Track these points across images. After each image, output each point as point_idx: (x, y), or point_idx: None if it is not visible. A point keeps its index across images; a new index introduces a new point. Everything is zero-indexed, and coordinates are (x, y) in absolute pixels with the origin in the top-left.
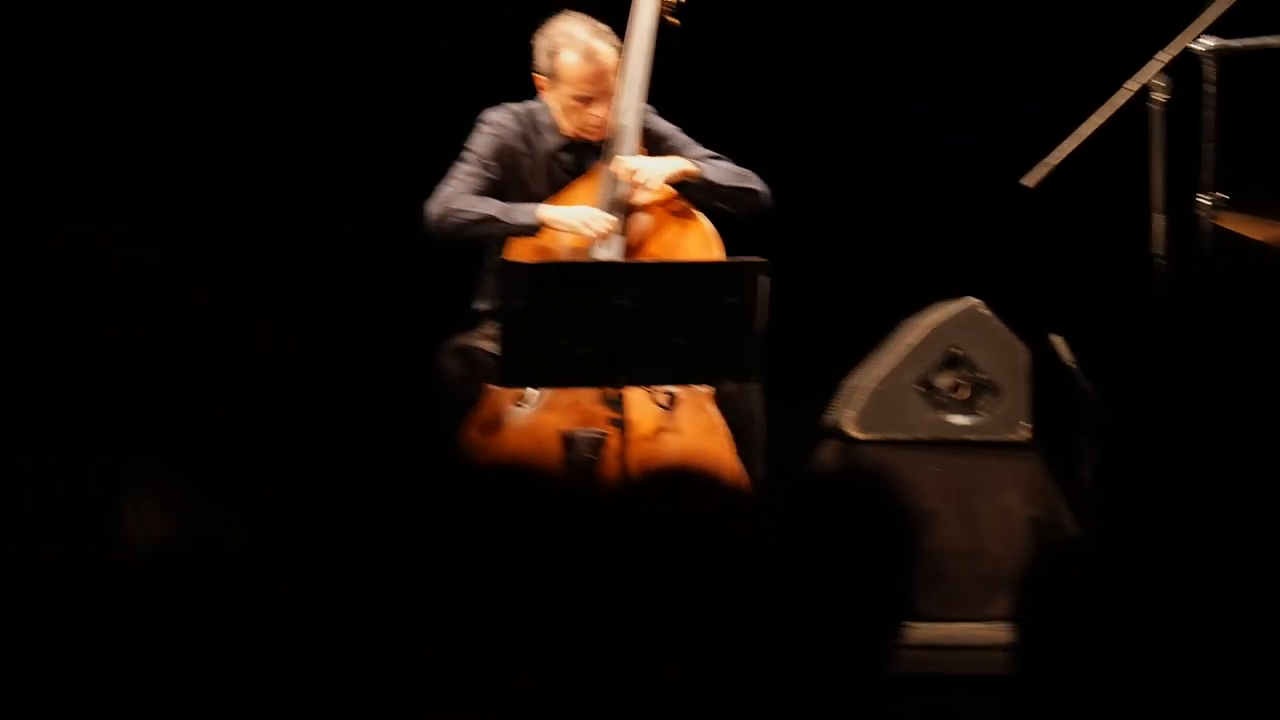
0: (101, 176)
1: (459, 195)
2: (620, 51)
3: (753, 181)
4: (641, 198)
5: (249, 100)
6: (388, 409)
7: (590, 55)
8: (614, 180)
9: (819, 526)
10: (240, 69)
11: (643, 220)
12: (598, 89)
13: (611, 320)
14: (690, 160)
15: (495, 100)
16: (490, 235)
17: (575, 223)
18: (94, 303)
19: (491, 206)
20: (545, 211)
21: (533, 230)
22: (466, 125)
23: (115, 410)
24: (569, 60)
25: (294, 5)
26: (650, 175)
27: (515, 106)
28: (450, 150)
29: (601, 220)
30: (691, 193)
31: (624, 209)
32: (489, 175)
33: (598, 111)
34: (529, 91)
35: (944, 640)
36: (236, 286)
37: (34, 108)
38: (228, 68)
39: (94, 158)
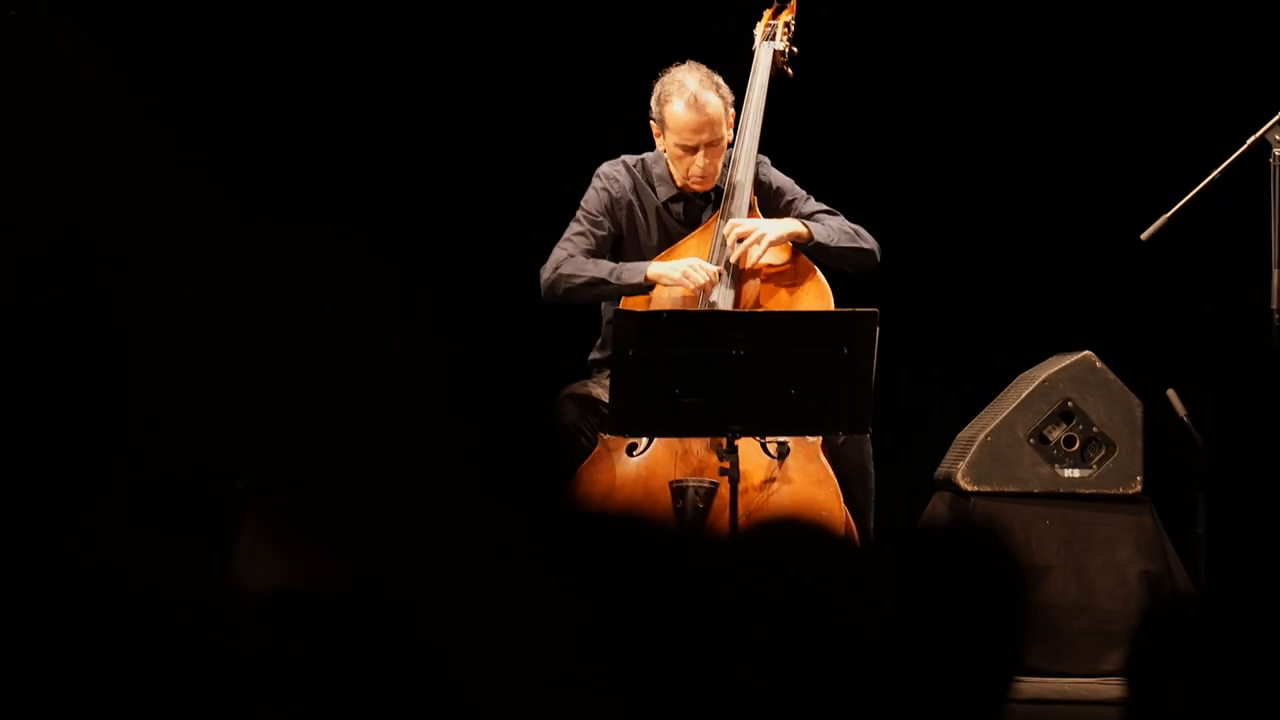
0: (231, 210)
1: (569, 259)
2: (730, 103)
3: (864, 240)
4: (750, 261)
5: (386, 139)
6: (503, 456)
7: (696, 105)
8: (725, 238)
9: (930, 579)
10: (378, 109)
11: (756, 274)
12: (701, 139)
13: (724, 369)
14: (801, 220)
15: (635, 148)
16: (602, 296)
17: (678, 275)
18: (216, 337)
19: (601, 269)
20: (653, 268)
21: (644, 289)
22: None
23: (232, 449)
24: (676, 109)
25: (437, 47)
26: (759, 239)
27: (629, 159)
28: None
29: (702, 270)
30: (802, 251)
31: (736, 263)
32: (600, 233)
33: (701, 161)
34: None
35: (1055, 695)
36: (359, 325)
37: (162, 139)
38: (365, 109)
39: (225, 191)
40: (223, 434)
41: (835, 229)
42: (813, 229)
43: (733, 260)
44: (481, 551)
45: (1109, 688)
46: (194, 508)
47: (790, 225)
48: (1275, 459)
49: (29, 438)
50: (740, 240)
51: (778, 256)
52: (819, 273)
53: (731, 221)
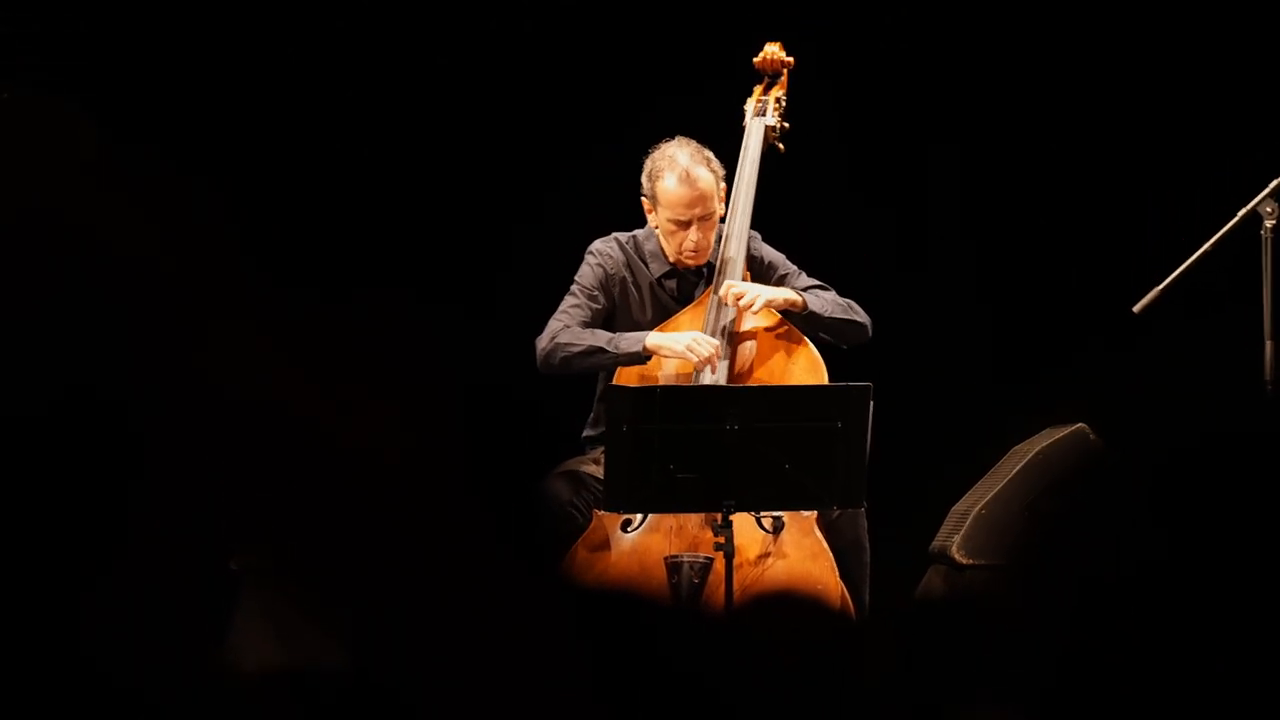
0: (230, 284)
1: (565, 329)
2: (721, 177)
3: (856, 313)
4: (747, 322)
5: (382, 212)
6: (500, 532)
7: (688, 180)
8: (720, 307)
9: (925, 652)
10: (374, 182)
11: (749, 345)
12: (694, 213)
13: (718, 444)
14: (795, 290)
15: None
16: (599, 365)
17: (680, 348)
18: (216, 412)
19: (599, 338)
20: (652, 339)
21: (641, 358)
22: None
23: (231, 525)
24: (668, 184)
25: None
26: (754, 299)
27: (621, 235)
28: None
29: (706, 344)
30: (795, 322)
31: (730, 335)
32: (596, 306)
33: (694, 236)
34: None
35: None
36: (357, 398)
37: (163, 215)
38: (362, 182)
39: (224, 266)
40: (223, 510)
41: (829, 301)
42: (806, 299)
43: (727, 322)
44: (480, 626)
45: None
46: (192, 588)
47: (785, 292)
48: (1267, 531)
49: (36, 518)
50: (739, 300)
51: (770, 323)
52: (812, 346)
53: (728, 282)
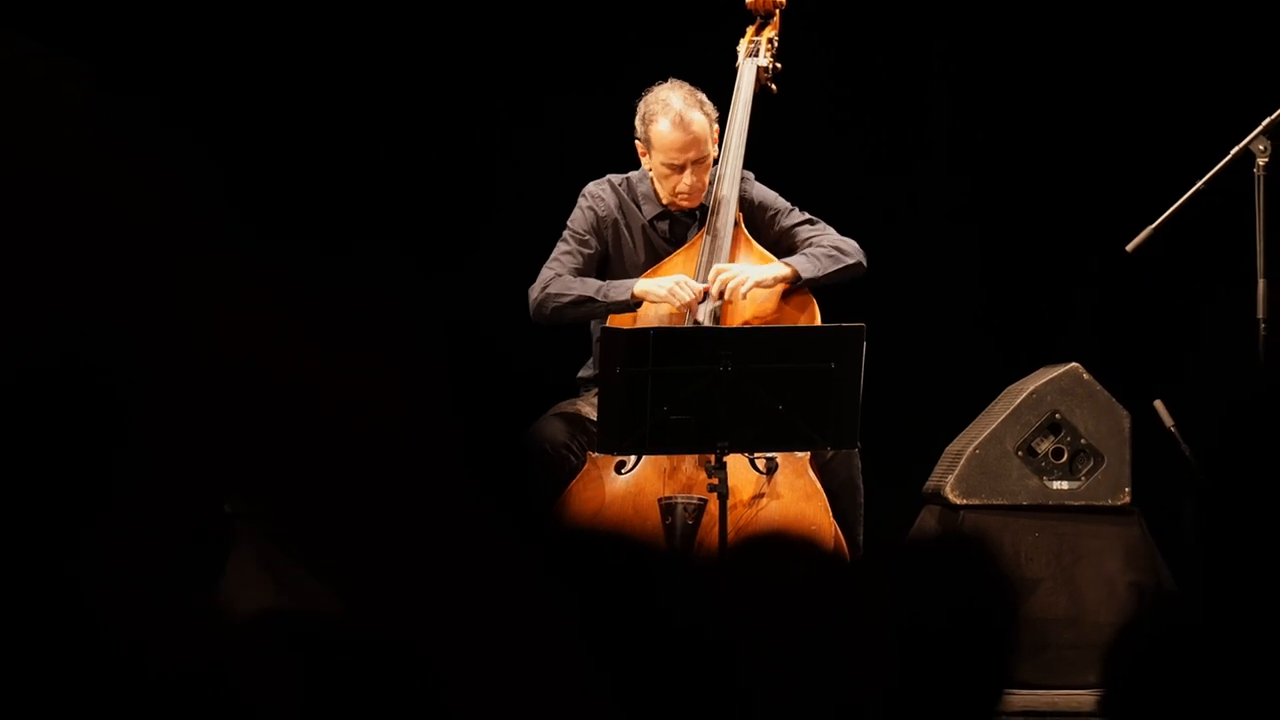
0: (213, 231)
1: (556, 278)
2: (714, 120)
3: (847, 256)
4: (735, 304)
5: (373, 159)
6: (492, 475)
7: (682, 123)
8: (712, 249)
9: (919, 593)
10: (364, 128)
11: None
12: (688, 157)
13: (711, 386)
14: (784, 261)
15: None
16: (591, 315)
17: (664, 292)
18: (201, 359)
19: (589, 287)
20: (639, 285)
21: (631, 306)
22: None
23: (221, 471)
24: (662, 128)
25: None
26: (742, 282)
27: (615, 178)
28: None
29: (689, 288)
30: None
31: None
32: (587, 251)
33: (688, 179)
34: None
35: (1045, 707)
36: (346, 343)
37: (147, 165)
38: (350, 128)
39: (207, 212)
40: (211, 457)
41: (819, 256)
42: (797, 268)
43: (716, 303)
44: (471, 569)
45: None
46: (185, 531)
47: (774, 269)
48: (1262, 468)
49: (29, 460)
50: (726, 284)
51: (764, 295)
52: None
53: (716, 267)
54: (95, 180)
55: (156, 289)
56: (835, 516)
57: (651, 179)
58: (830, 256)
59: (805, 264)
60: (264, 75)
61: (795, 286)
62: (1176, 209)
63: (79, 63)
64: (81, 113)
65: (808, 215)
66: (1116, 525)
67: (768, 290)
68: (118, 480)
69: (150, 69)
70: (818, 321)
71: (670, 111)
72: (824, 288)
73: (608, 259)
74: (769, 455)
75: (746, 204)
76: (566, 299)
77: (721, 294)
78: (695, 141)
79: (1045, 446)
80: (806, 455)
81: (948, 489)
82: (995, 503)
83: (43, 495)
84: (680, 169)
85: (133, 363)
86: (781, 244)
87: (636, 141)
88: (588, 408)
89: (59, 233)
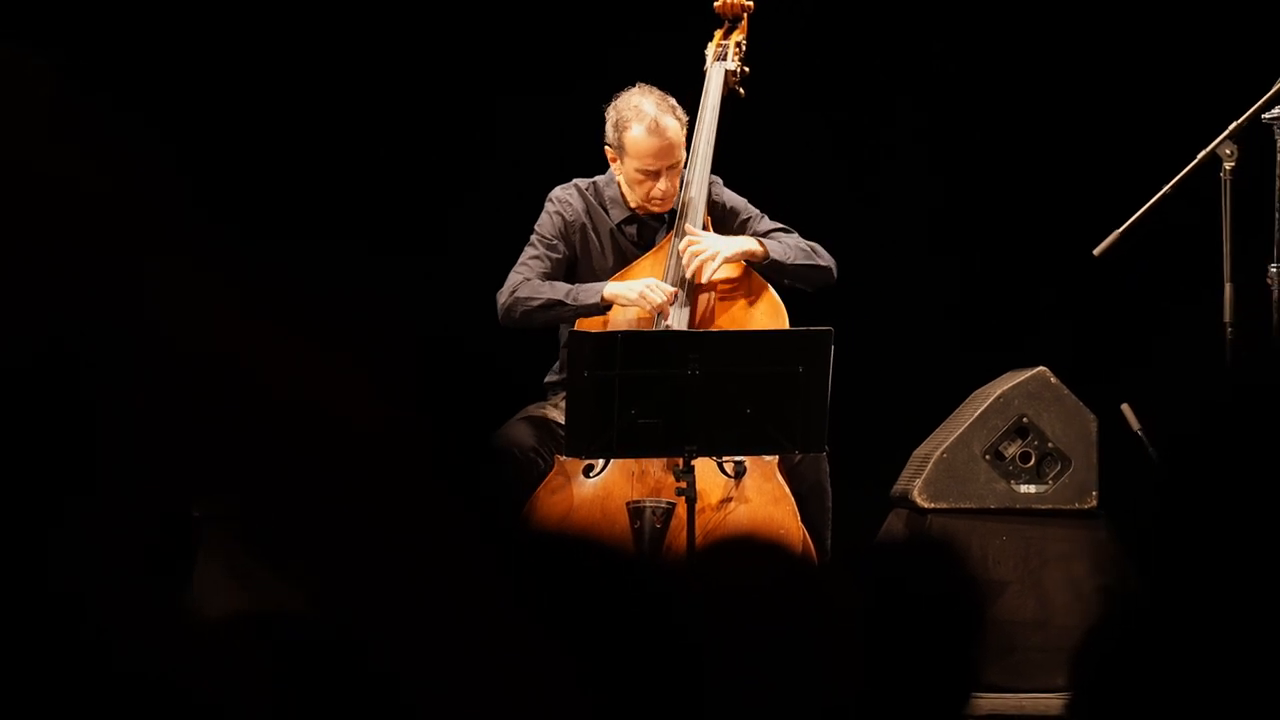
0: (183, 228)
1: (525, 283)
2: (686, 125)
3: (820, 257)
4: (705, 277)
5: (343, 160)
6: (459, 479)
7: (657, 129)
8: (680, 255)
9: (886, 596)
10: (335, 130)
11: (710, 291)
12: (663, 163)
13: (679, 389)
14: (757, 238)
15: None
16: (560, 319)
17: (634, 295)
18: (168, 358)
19: (557, 291)
20: (609, 288)
21: (600, 309)
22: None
23: (185, 467)
24: (636, 134)
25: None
26: (713, 255)
27: (581, 182)
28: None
29: (659, 290)
30: (758, 269)
31: (691, 281)
32: (555, 256)
33: (663, 185)
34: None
35: (1012, 711)
36: (314, 345)
37: (115, 158)
38: (321, 129)
39: (176, 208)
40: (176, 457)
41: (791, 246)
42: (768, 246)
43: (688, 276)
44: (438, 572)
45: (1064, 703)
46: (153, 534)
47: (745, 243)
48: (1228, 472)
49: (9, 453)
50: (695, 256)
51: (732, 273)
52: (773, 291)
53: (687, 238)
54: (62, 176)
55: (123, 286)
56: (803, 520)
57: (619, 183)
58: (803, 250)
59: (776, 247)
60: (233, 74)
61: (762, 267)
62: (1143, 213)
63: (40, 59)
64: (47, 109)
65: (781, 224)
66: (1084, 529)
67: (736, 271)
68: (83, 481)
69: (117, 64)
70: (786, 325)
71: (644, 118)
72: (792, 291)
73: (575, 263)
74: (737, 459)
75: (716, 207)
76: (536, 303)
77: (692, 275)
78: (670, 148)
79: (1013, 450)
80: (775, 459)
81: (915, 493)
82: (963, 506)
83: (9, 495)
84: (655, 175)
85: (100, 361)
86: None
87: (607, 147)
88: (555, 412)
89: (26, 229)
